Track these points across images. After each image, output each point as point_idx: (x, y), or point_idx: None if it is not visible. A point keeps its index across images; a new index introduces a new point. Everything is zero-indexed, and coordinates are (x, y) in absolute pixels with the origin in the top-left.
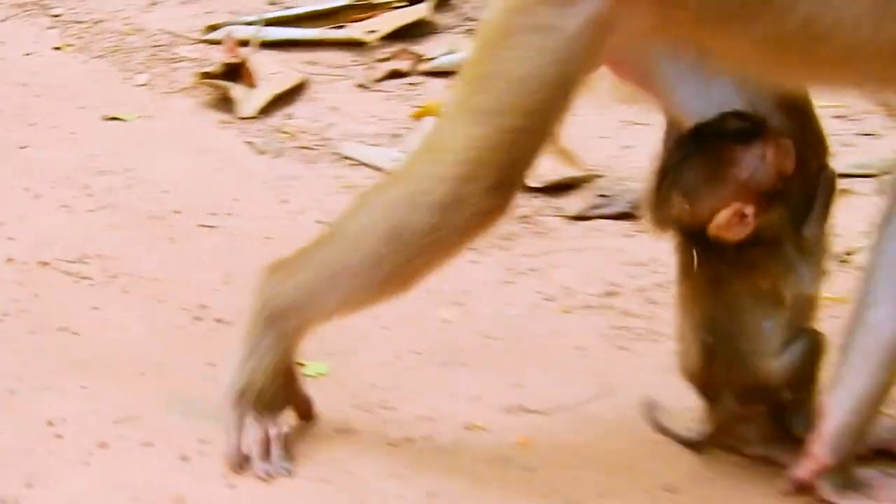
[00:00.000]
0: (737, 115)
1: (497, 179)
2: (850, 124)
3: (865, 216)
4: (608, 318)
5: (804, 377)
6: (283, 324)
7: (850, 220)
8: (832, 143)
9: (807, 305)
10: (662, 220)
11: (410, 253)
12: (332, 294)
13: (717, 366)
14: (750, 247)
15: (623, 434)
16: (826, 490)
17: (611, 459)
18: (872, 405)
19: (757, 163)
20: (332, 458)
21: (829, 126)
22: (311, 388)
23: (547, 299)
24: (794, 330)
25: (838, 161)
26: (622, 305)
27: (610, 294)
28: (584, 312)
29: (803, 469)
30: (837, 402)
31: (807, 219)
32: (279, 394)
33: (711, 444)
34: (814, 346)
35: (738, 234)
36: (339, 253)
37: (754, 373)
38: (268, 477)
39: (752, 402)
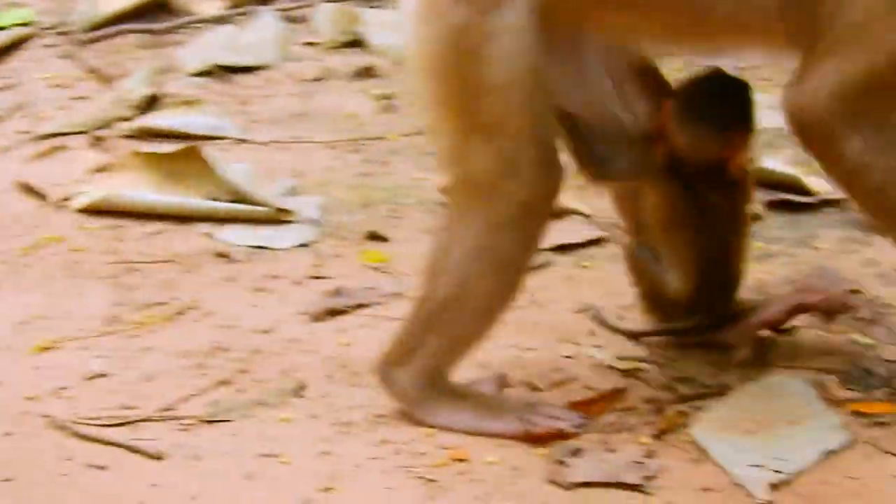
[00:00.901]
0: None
1: (537, 158)
2: (65, 91)
3: (78, 166)
4: None
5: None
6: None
7: (65, 170)
8: (51, 109)
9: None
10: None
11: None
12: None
13: (710, 286)
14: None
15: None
16: None
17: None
18: None
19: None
20: None
21: (47, 95)
22: None
23: None
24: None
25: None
26: None
27: None
28: None
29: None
30: None
31: None
32: None
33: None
34: None
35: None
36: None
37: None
38: None
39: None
